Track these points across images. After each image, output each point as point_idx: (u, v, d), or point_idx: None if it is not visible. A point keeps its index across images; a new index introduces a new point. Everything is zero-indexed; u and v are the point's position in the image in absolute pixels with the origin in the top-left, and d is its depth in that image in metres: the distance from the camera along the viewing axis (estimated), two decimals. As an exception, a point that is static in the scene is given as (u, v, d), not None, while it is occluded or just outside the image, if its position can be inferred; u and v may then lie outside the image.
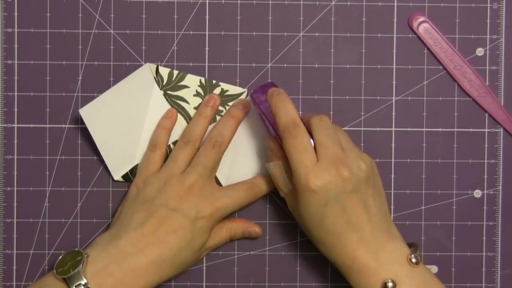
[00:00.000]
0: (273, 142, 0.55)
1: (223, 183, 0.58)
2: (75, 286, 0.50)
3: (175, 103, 0.58)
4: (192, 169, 0.54)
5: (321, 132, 0.51)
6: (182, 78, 0.58)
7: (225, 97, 0.59)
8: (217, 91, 0.58)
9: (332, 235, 0.51)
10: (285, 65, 0.59)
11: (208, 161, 0.55)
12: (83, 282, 0.50)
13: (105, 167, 0.58)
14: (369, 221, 0.51)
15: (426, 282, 0.51)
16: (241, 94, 0.59)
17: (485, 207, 0.60)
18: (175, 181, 0.54)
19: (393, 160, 0.59)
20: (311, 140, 0.51)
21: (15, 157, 0.59)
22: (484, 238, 0.60)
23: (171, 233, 0.52)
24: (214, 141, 0.55)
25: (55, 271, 0.51)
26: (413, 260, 0.51)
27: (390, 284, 0.50)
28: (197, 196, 0.54)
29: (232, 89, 0.59)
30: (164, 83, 0.58)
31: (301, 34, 0.59)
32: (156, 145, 0.57)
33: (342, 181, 0.50)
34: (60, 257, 0.53)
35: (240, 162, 0.58)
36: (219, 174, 0.58)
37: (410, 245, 0.53)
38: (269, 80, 0.58)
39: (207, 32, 0.59)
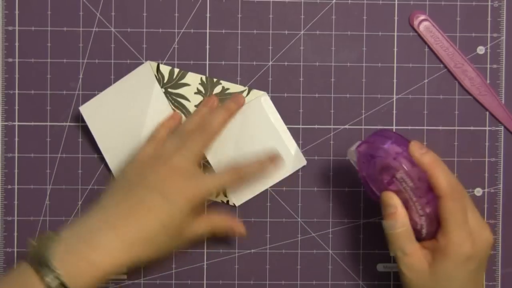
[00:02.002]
0: (395, 198, 0.51)
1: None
2: (45, 271, 0.47)
3: (176, 101, 0.58)
4: (177, 153, 0.54)
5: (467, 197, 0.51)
6: (183, 76, 0.58)
7: (225, 95, 0.59)
8: (218, 89, 0.59)
9: None
10: (285, 63, 0.59)
11: (195, 146, 0.54)
12: (51, 266, 0.47)
13: (106, 165, 0.58)
14: None
15: None
16: (242, 92, 0.59)
17: (486, 206, 0.60)
18: (159, 163, 0.53)
19: (393, 158, 0.59)
20: None
21: (16, 155, 0.59)
22: (484, 236, 0.60)
23: (146, 213, 0.50)
24: (202, 129, 0.55)
25: (28, 256, 0.49)
26: None
27: None
28: (180, 179, 0.52)
29: (233, 87, 0.59)
30: (165, 81, 0.58)
31: (302, 32, 0.59)
32: (154, 140, 0.56)
33: (489, 244, 0.51)
34: (34, 238, 0.50)
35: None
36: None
37: None
38: (380, 129, 0.54)
39: (208, 30, 0.59)
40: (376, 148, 0.51)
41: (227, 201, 0.59)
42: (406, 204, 0.51)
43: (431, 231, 0.51)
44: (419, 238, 0.51)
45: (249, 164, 0.56)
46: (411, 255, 0.50)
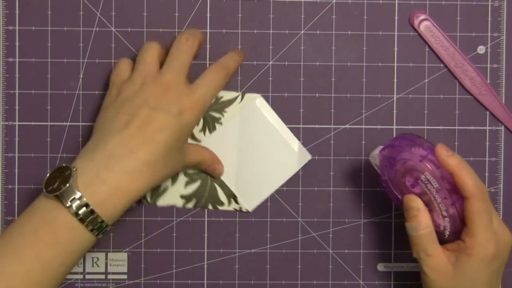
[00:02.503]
0: (417, 201, 0.52)
1: (234, 189, 0.59)
2: (70, 201, 0.47)
3: None
4: (167, 67, 0.54)
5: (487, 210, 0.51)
6: None
7: (220, 104, 0.58)
8: None
9: None
10: (286, 63, 0.59)
11: (183, 55, 0.54)
12: (77, 196, 0.48)
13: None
14: None
15: None
16: (235, 98, 0.58)
17: (486, 205, 0.60)
18: (151, 80, 0.53)
19: (394, 158, 0.59)
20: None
21: (16, 155, 0.59)
22: (485, 236, 0.60)
23: (158, 131, 0.50)
24: (187, 36, 0.55)
25: (44, 191, 0.49)
26: None
27: None
28: (175, 93, 0.52)
29: (227, 95, 0.58)
30: None
31: (302, 32, 0.59)
32: (144, 61, 0.55)
33: (510, 245, 0.52)
34: (47, 175, 0.50)
35: (248, 168, 0.58)
36: (226, 180, 0.58)
37: None
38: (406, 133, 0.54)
39: (208, 30, 0.59)
40: (399, 151, 0.51)
41: (240, 208, 0.59)
42: (429, 206, 0.51)
43: (454, 232, 0.51)
44: (441, 240, 0.52)
45: (226, 55, 0.57)
46: (435, 256, 0.51)
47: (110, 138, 0.50)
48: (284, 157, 0.58)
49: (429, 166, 0.50)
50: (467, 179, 0.49)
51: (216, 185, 0.59)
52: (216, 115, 0.58)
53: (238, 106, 0.58)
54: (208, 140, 0.58)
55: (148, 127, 0.50)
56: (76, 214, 0.47)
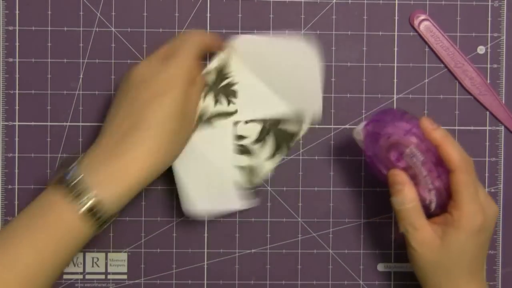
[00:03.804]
0: (402, 175, 0.51)
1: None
2: (74, 186, 0.47)
3: None
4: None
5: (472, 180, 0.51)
6: None
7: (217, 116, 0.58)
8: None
9: (471, 275, 0.51)
10: (286, 63, 0.59)
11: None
12: (82, 187, 0.47)
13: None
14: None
15: None
16: (232, 113, 0.58)
17: (486, 205, 0.60)
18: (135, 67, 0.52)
19: (394, 158, 0.59)
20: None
21: (16, 155, 0.59)
22: (485, 236, 0.60)
23: (143, 108, 0.50)
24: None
25: (50, 182, 0.49)
26: None
27: None
28: (153, 63, 0.51)
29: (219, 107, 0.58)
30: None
31: (302, 32, 0.59)
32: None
33: (496, 217, 0.52)
34: (56, 167, 0.50)
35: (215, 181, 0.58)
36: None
37: None
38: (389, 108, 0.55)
39: (208, 30, 0.59)
40: (384, 126, 0.51)
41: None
42: (414, 180, 0.51)
43: (440, 205, 0.51)
44: (428, 213, 0.52)
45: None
46: (422, 230, 0.51)
47: (107, 130, 0.50)
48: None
49: (413, 140, 0.50)
50: (452, 151, 0.49)
51: None
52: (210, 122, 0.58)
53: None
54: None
55: (134, 108, 0.50)
56: (80, 203, 0.47)
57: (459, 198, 0.50)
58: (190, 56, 0.52)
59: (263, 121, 0.58)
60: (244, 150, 0.57)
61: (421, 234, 0.51)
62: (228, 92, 0.57)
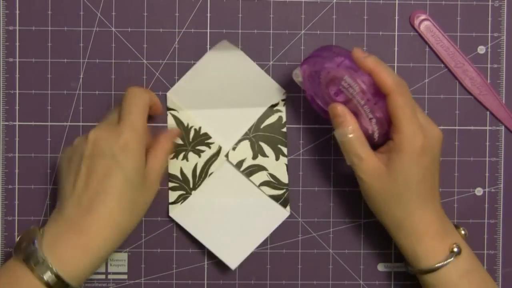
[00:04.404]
0: (341, 107, 0.52)
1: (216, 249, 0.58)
2: (34, 264, 0.48)
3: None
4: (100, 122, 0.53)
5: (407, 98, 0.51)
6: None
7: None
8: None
9: (421, 200, 0.51)
10: (286, 63, 0.59)
11: (112, 110, 0.54)
12: (41, 259, 0.48)
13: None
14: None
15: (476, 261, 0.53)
16: (219, 151, 0.58)
17: (486, 205, 0.60)
18: (84, 137, 0.52)
19: (394, 158, 0.59)
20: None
21: (16, 155, 0.59)
22: (485, 236, 0.60)
23: (102, 179, 0.50)
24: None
25: (13, 253, 0.50)
26: (462, 232, 0.55)
27: (456, 249, 0.51)
28: (106, 135, 0.51)
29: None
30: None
31: (303, 32, 0.59)
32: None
33: (440, 140, 0.52)
34: (17, 238, 0.51)
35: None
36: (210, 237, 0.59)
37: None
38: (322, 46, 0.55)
39: (208, 30, 0.59)
40: (319, 62, 0.52)
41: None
42: (355, 112, 0.52)
43: (383, 134, 0.52)
44: (373, 144, 0.52)
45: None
46: (367, 159, 0.51)
47: (65, 202, 0.51)
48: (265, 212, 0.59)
49: (347, 70, 0.51)
50: (385, 75, 0.50)
51: None
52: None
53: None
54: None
55: (91, 179, 0.50)
56: (40, 278, 0.48)
57: (398, 121, 0.50)
58: (140, 117, 0.52)
59: (245, 135, 0.58)
60: (253, 171, 0.58)
61: (367, 163, 0.51)
62: (202, 138, 0.58)
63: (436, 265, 0.51)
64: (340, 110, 0.52)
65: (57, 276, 0.48)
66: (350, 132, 0.52)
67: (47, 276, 0.48)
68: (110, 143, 0.50)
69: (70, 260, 0.49)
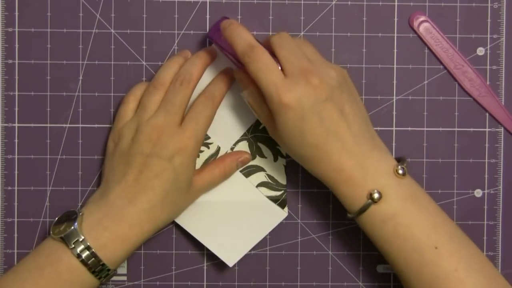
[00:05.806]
0: (240, 72, 0.55)
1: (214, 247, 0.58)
2: (73, 243, 0.50)
3: None
4: (159, 110, 0.54)
5: (283, 48, 0.52)
6: None
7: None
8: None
9: (315, 148, 0.51)
10: (285, 64, 0.59)
11: (175, 97, 0.54)
12: (80, 239, 0.51)
13: (106, 167, 0.58)
14: (349, 128, 0.50)
15: (414, 194, 0.50)
16: (217, 151, 0.59)
17: (485, 207, 0.60)
18: (144, 126, 0.53)
19: (393, 160, 0.59)
20: (274, 59, 0.51)
21: (16, 156, 0.59)
22: (484, 237, 0.60)
23: (153, 178, 0.52)
24: (182, 79, 0.55)
25: (52, 233, 0.52)
26: (400, 171, 0.50)
27: (376, 195, 0.49)
28: (167, 136, 0.53)
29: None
30: None
31: (302, 33, 0.59)
32: (129, 100, 0.57)
33: (314, 90, 0.50)
34: (56, 219, 0.53)
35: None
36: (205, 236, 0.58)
37: (398, 159, 0.52)
38: (223, 16, 0.57)
39: (207, 32, 0.59)
40: (217, 36, 0.56)
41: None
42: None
43: None
44: None
45: (211, 83, 0.57)
46: (267, 121, 0.54)
47: (111, 189, 0.53)
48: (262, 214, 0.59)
49: (217, 40, 0.55)
50: (235, 46, 0.52)
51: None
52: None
53: None
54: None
55: (143, 175, 0.53)
56: (78, 256, 0.51)
57: (259, 83, 0.51)
58: (205, 129, 0.55)
59: (244, 136, 0.58)
60: (251, 171, 0.58)
61: (268, 125, 0.54)
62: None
63: (356, 210, 0.50)
64: (240, 75, 0.55)
65: (95, 255, 0.51)
66: (248, 94, 0.54)
67: (85, 254, 0.50)
68: (169, 145, 0.53)
69: (108, 245, 0.51)
